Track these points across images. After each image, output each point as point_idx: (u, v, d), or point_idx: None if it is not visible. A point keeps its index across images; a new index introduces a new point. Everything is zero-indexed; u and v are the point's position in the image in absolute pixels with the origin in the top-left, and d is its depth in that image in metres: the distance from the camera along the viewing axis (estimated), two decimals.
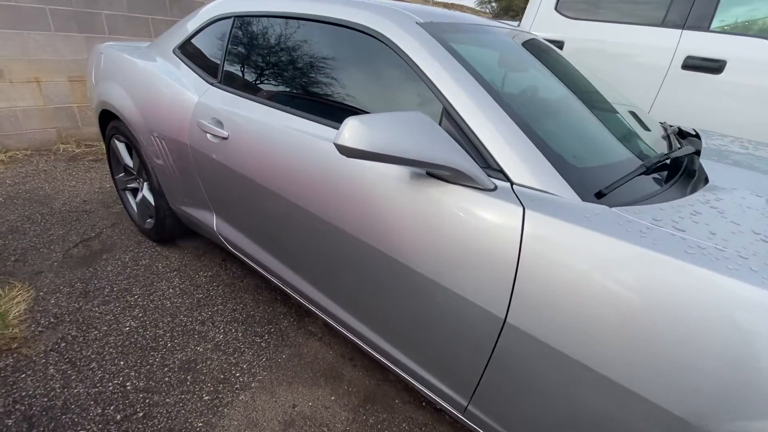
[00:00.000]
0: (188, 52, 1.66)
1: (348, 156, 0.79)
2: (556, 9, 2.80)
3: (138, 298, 1.72)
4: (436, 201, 0.88)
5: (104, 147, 3.51)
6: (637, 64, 2.48)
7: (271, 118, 1.26)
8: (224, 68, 1.49)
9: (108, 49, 1.97)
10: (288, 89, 1.30)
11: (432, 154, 0.80)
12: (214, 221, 1.65)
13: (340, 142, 0.78)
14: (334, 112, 1.16)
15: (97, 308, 1.64)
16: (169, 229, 2.00)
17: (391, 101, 1.06)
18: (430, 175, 0.91)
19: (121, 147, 2.02)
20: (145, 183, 2.02)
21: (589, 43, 2.65)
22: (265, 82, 1.36)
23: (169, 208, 1.90)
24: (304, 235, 1.22)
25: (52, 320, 1.56)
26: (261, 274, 1.59)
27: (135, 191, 2.20)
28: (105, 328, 1.55)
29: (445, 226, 0.87)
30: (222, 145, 1.38)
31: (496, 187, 0.83)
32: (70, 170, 3.02)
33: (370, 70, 1.10)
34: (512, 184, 0.84)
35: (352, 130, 0.77)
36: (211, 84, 1.51)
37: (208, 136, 1.43)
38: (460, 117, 0.91)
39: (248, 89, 1.40)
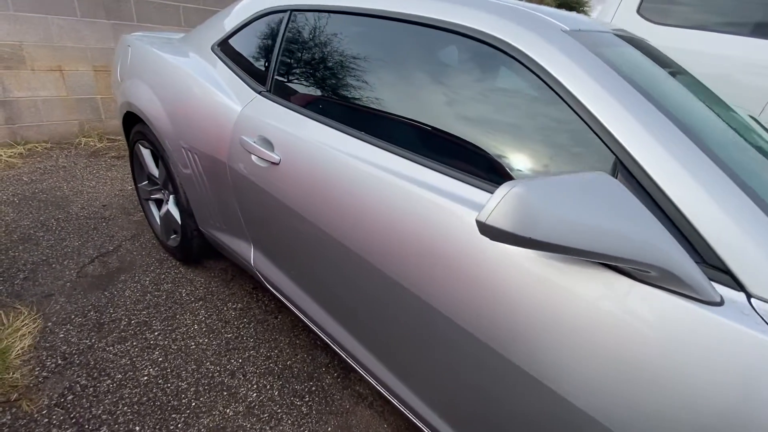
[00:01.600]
0: (230, 50, 1.39)
1: (497, 240, 0.51)
2: (638, 12, 2.45)
3: (159, 335, 1.49)
4: (609, 309, 0.59)
5: (127, 144, 3.33)
6: (745, 85, 2.11)
7: (342, 146, 0.98)
8: (275, 74, 1.22)
9: (136, 41, 1.73)
10: (366, 111, 1.01)
11: (631, 246, 0.51)
12: (251, 254, 1.39)
13: (491, 221, 0.50)
14: (431, 146, 0.87)
15: (111, 347, 1.41)
16: (196, 250, 1.75)
17: (521, 142, 0.77)
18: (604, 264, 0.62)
19: (146, 154, 1.78)
20: (171, 196, 1.78)
21: (679, 53, 2.30)
22: (333, 98, 1.08)
23: (198, 229, 1.65)
24: (375, 299, 0.95)
25: (59, 362, 1.33)
26: (274, 294, 1.33)
27: (159, 203, 1.97)
28: (120, 376, 1.31)
29: (626, 350, 0.58)
30: (270, 171, 1.12)
31: (722, 301, 0.54)
32: (90, 167, 2.82)
33: (489, 93, 0.81)
34: (749, 296, 0.54)
35: (513, 205, 0.48)
36: (259, 93, 1.24)
37: (253, 157, 1.17)
38: (650, 179, 0.61)
39: (308, 105, 1.13)
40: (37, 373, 1.29)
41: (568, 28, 0.77)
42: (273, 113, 1.16)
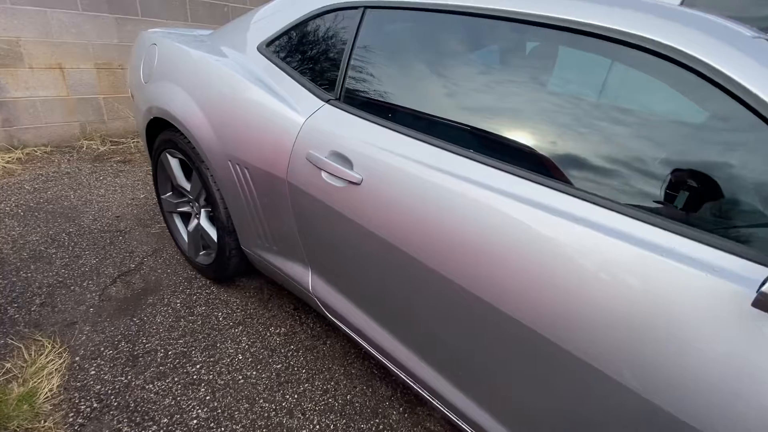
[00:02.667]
0: (283, 51, 1.24)
1: None
2: None
3: (201, 368, 1.34)
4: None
5: (131, 146, 3.11)
6: None
7: (443, 165, 0.85)
8: (346, 80, 1.08)
9: (164, 39, 1.55)
10: (480, 130, 0.88)
11: None
12: (308, 279, 1.25)
13: None
14: (578, 172, 0.75)
15: (151, 385, 1.26)
16: (232, 269, 1.61)
17: (710, 172, 0.65)
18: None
19: (174, 164, 1.61)
20: (202, 210, 1.62)
21: None
22: (431, 111, 0.94)
23: (239, 248, 1.50)
24: (476, 331, 0.83)
25: (95, 405, 1.18)
26: (346, 334, 1.20)
27: (186, 216, 1.81)
28: (165, 420, 1.16)
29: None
30: (348, 192, 0.98)
31: None
32: (96, 174, 2.62)
33: (654, 113, 0.69)
34: None
35: None
36: (327, 101, 1.10)
37: (324, 174, 1.03)
38: None
39: (393, 117, 0.99)
40: (71, 420, 1.13)
41: (749, 35, 0.65)
42: (348, 125, 1.02)
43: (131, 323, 1.47)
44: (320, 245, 1.15)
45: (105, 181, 2.54)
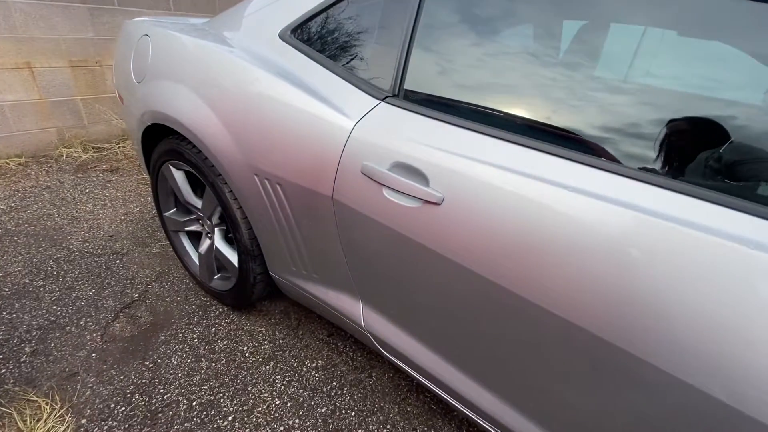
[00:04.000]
0: (317, 38, 1.01)
1: None
2: None
3: (234, 420, 1.13)
4: None
5: (117, 152, 2.78)
6: None
7: (559, 178, 0.65)
8: (407, 70, 0.86)
9: (158, 29, 1.30)
10: (605, 128, 0.67)
11: None
12: (359, 312, 1.05)
13: None
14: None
15: None
16: (256, 296, 1.39)
17: None
18: None
19: (180, 177, 1.37)
20: (216, 229, 1.39)
21: None
22: (531, 106, 0.74)
23: (265, 273, 1.29)
24: (589, 370, 0.65)
25: None
26: (392, 363, 1.01)
27: (196, 235, 1.58)
28: None
29: None
30: (422, 213, 0.78)
31: None
32: (81, 186, 2.34)
33: None
34: None
35: None
36: (382, 99, 0.88)
37: (386, 192, 0.82)
38: None
39: (481, 116, 0.78)
40: None
41: None
42: (416, 129, 0.81)
43: (143, 369, 1.26)
44: (377, 274, 0.95)
45: (92, 195, 2.26)
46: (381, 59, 0.90)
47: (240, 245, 1.25)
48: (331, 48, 0.98)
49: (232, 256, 1.35)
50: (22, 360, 1.24)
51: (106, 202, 2.20)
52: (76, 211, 2.08)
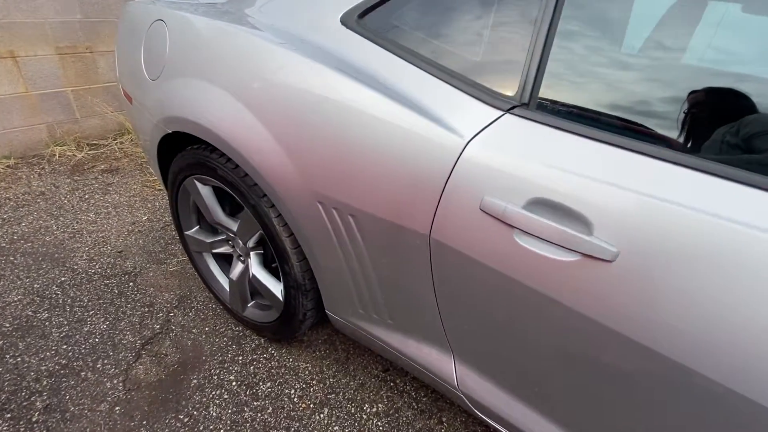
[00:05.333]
0: (400, 24, 0.77)
1: None
2: None
3: None
4: None
5: (115, 149, 2.47)
6: None
7: None
8: (543, 70, 0.64)
9: (175, 13, 1.04)
10: None
11: None
12: (452, 369, 0.86)
13: None
14: None
15: None
16: (304, 331, 1.19)
17: None
18: None
19: (207, 194, 1.15)
20: (251, 253, 1.18)
21: None
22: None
23: (318, 309, 1.09)
24: None
25: None
26: (487, 424, 0.84)
27: (225, 257, 1.36)
28: None
29: None
30: (577, 270, 0.57)
31: None
32: (79, 191, 2.09)
33: None
34: None
35: None
36: (507, 110, 0.66)
37: (519, 237, 0.61)
38: None
39: (681, 138, 0.57)
40: None
41: None
42: (565, 152, 0.59)
43: (179, 425, 1.06)
44: (487, 333, 0.75)
45: (93, 201, 2.02)
46: (502, 53, 0.68)
47: (288, 278, 1.04)
48: (422, 39, 0.75)
49: (275, 287, 1.15)
50: (34, 420, 1.05)
51: (110, 209, 1.96)
52: (77, 222, 1.84)
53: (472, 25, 0.70)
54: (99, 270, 1.57)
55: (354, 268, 0.87)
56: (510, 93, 0.66)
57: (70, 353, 1.23)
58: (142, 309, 1.40)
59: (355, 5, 0.82)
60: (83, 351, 1.24)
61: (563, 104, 0.63)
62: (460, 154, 0.67)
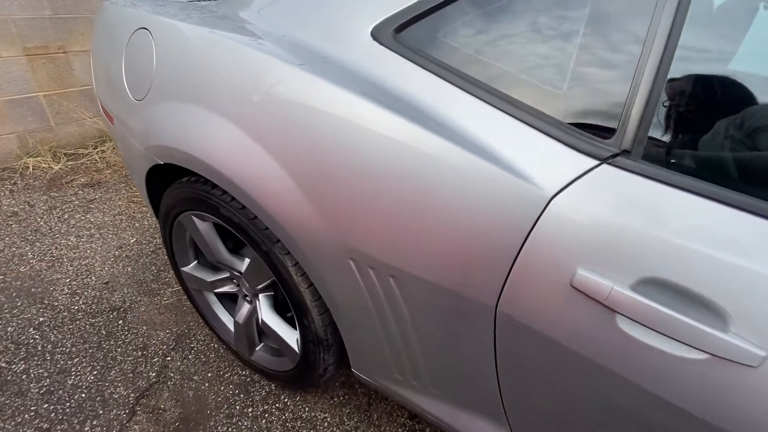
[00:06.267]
0: (454, 44, 0.61)
1: None
2: None
3: None
4: None
5: (95, 158, 2.23)
6: None
7: None
8: (654, 108, 0.50)
9: (162, 21, 0.86)
10: None
11: None
12: None
13: None
14: None
15: None
16: (322, 382, 1.06)
17: None
18: None
19: (207, 230, 0.99)
20: (261, 296, 1.03)
21: None
22: None
23: (342, 361, 0.95)
24: None
25: None
26: None
27: (230, 297, 1.21)
28: None
29: None
30: (705, 371, 0.45)
31: None
32: (57, 210, 1.90)
33: None
34: None
35: None
36: (605, 159, 0.51)
37: (624, 323, 0.48)
38: None
39: None
40: None
41: None
42: (691, 219, 0.46)
43: None
44: (563, 417, 0.62)
45: (73, 222, 1.83)
46: (595, 84, 0.53)
47: (307, 331, 0.90)
48: (483, 62, 0.60)
49: (289, 336, 1.00)
50: None
51: (93, 231, 1.78)
52: (56, 248, 1.66)
53: (554, 46, 0.55)
54: (83, 306, 1.40)
55: (392, 332, 0.73)
56: (607, 136, 0.52)
57: (53, 414, 1.07)
58: (135, 353, 1.25)
59: (391, 15, 0.66)
60: (68, 411, 1.08)
61: (681, 152, 0.50)
62: (542, 213, 0.53)
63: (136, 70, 0.91)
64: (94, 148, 2.45)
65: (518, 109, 0.56)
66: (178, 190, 0.95)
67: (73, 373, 1.17)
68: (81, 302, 1.41)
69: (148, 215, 1.92)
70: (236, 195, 0.78)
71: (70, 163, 2.30)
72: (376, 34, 0.68)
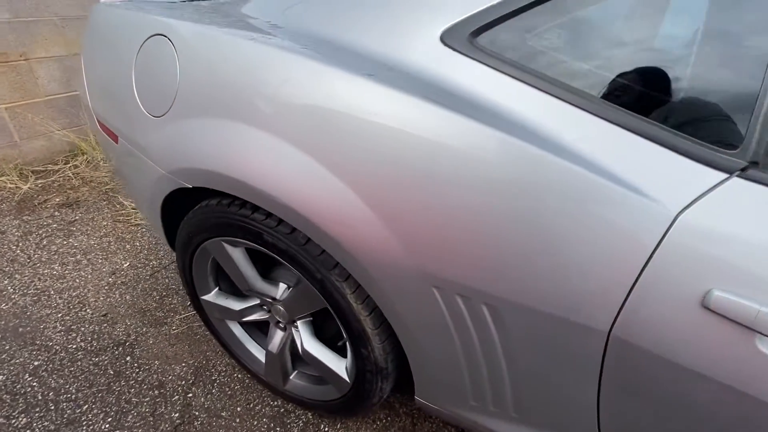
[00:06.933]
0: (545, 48, 0.56)
1: None
2: None
3: None
4: None
5: (69, 174, 1.98)
6: None
7: None
8: None
9: (187, 30, 0.75)
10: None
11: None
12: None
13: None
14: None
15: None
16: (374, 407, 0.99)
17: None
18: None
19: (240, 257, 0.90)
20: (299, 322, 0.95)
21: None
22: None
23: (397, 388, 0.89)
24: None
25: None
26: None
27: (258, 326, 1.11)
28: None
29: None
30: None
31: None
32: (33, 236, 1.71)
33: None
34: None
35: None
36: (734, 173, 0.47)
37: (765, 346, 0.46)
38: None
39: None
40: None
41: None
42: None
43: None
44: None
45: (54, 248, 1.65)
46: (714, 94, 0.50)
47: (365, 362, 0.83)
48: (581, 68, 0.55)
49: (337, 364, 0.93)
50: None
51: (79, 257, 1.61)
52: (40, 279, 1.49)
53: (666, 52, 0.52)
54: (82, 344, 1.26)
55: (476, 360, 0.68)
56: (731, 148, 0.49)
57: None
58: (151, 393, 1.13)
59: (465, 18, 0.60)
60: None
61: None
62: (667, 231, 0.49)
63: (153, 83, 0.80)
64: (66, 164, 2.24)
65: (631, 120, 0.52)
66: (206, 214, 0.85)
67: (84, 423, 1.05)
68: (79, 339, 1.27)
69: (139, 234, 1.76)
70: (293, 221, 0.70)
71: (39, 181, 2.08)
72: (447, 38, 0.61)
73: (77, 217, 1.85)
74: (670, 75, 0.52)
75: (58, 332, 1.29)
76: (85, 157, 2.29)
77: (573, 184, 0.52)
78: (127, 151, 0.94)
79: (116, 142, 0.97)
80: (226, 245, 0.88)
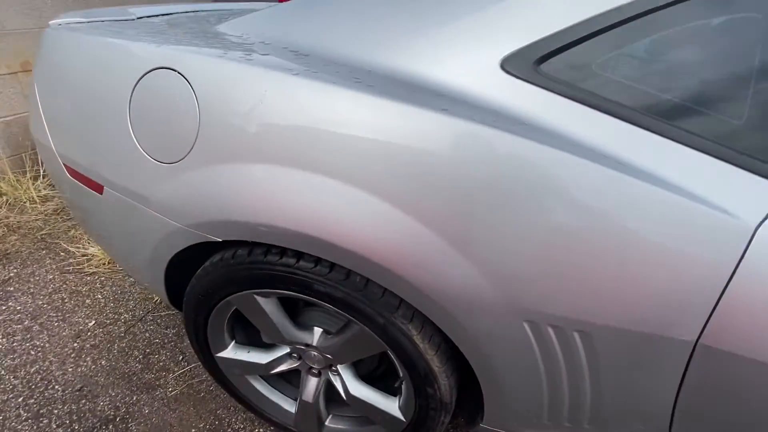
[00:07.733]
0: (613, 75, 0.56)
1: None
2: None
3: None
4: None
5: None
6: None
7: None
8: None
9: (204, 63, 0.64)
10: None
11: None
12: None
13: None
14: None
15: None
16: None
17: None
18: None
19: (273, 309, 0.80)
20: (340, 367, 0.88)
21: None
22: None
23: (456, 419, 0.86)
24: None
25: None
26: None
27: (282, 374, 1.01)
28: None
29: None
30: None
31: None
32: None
33: None
34: None
35: None
36: None
37: None
38: None
39: None
40: None
41: None
42: None
43: None
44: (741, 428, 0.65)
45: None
46: None
47: (430, 400, 0.79)
48: (648, 93, 0.57)
49: (388, 405, 0.87)
50: None
51: (27, 323, 1.35)
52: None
53: (729, 77, 0.55)
54: (60, 430, 1.05)
55: (559, 384, 0.68)
56: None
57: None
58: None
59: (527, 45, 0.59)
60: None
61: None
62: (749, 244, 0.53)
63: (161, 124, 0.69)
64: None
65: (703, 142, 0.55)
66: (234, 267, 0.75)
67: None
68: (54, 425, 1.06)
69: (97, 283, 1.52)
70: (358, 268, 0.64)
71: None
72: (508, 66, 0.60)
73: (12, 274, 1.55)
74: (738, 91, 0.56)
75: (24, 421, 1.06)
76: (5, 197, 1.93)
77: (658, 206, 0.53)
78: (117, 203, 0.79)
79: (99, 193, 0.82)
80: (258, 298, 0.79)
